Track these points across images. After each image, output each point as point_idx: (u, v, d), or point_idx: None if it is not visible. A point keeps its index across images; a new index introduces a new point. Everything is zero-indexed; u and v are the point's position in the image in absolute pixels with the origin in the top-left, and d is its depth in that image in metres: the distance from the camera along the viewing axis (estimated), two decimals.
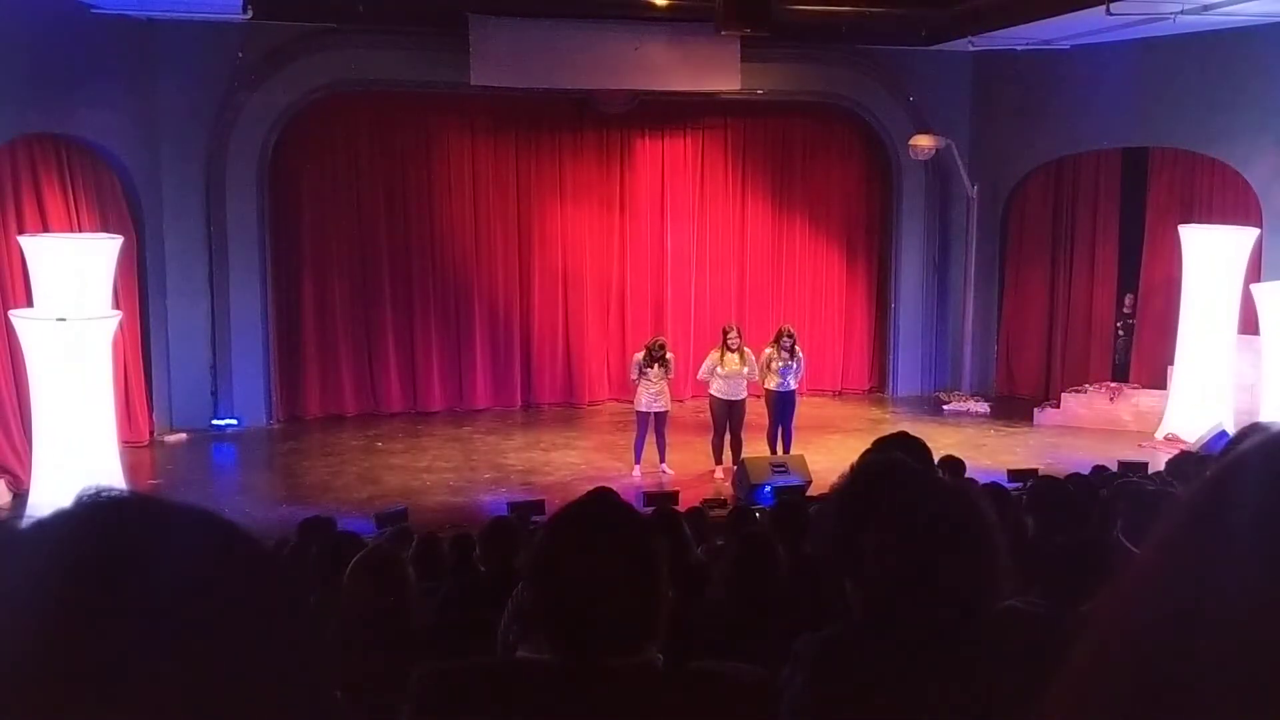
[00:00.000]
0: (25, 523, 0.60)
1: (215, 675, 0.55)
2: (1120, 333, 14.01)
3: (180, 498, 0.66)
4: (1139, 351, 13.75)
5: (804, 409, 12.16)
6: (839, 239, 15.20)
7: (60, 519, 0.59)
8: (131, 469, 10.31)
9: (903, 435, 3.09)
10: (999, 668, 1.69)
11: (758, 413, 11.31)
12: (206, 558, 0.59)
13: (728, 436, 10.78)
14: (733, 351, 10.65)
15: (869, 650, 1.80)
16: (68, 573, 0.55)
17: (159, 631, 0.54)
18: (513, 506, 8.61)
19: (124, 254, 10.45)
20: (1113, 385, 13.27)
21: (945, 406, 14.10)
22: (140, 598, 0.55)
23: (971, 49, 13.63)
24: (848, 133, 15.01)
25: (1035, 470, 8.94)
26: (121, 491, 0.61)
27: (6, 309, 9.84)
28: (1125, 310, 14.01)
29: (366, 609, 3.45)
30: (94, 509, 0.59)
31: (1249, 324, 11.79)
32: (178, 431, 12.48)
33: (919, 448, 2.92)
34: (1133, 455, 10.39)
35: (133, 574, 0.56)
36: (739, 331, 10.91)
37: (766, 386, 11.01)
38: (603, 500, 1.92)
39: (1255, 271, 12.00)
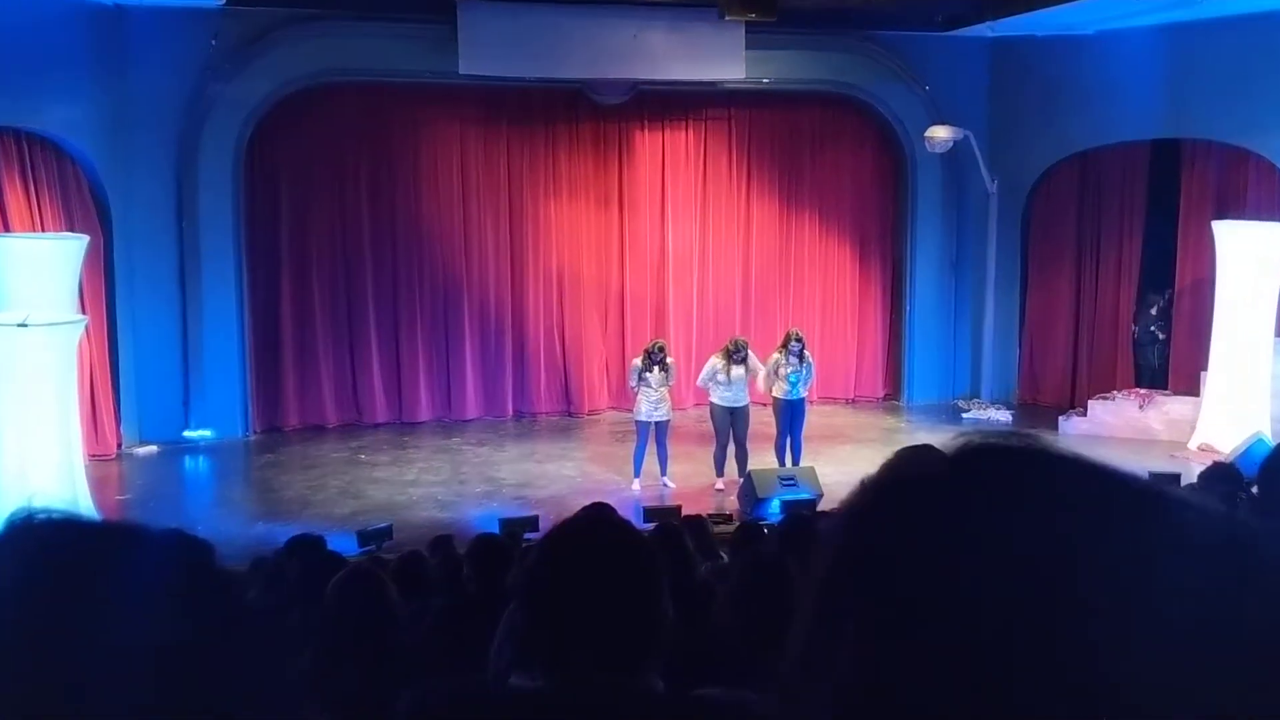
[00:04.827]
0: None
1: (162, 707, 0.54)
2: (1160, 335, 13.98)
3: (142, 517, 0.65)
4: (1176, 355, 13.75)
5: (814, 418, 12.15)
6: (850, 237, 15.20)
7: None
8: (98, 484, 10.29)
9: (926, 449, 3.04)
10: None
11: (765, 422, 11.30)
12: (143, 581, 0.58)
13: (731, 447, 10.77)
14: (737, 365, 10.64)
15: None
16: None
17: (89, 663, 0.53)
18: (504, 523, 8.60)
19: (90, 254, 10.44)
20: (1142, 392, 13.27)
21: (964, 415, 14.10)
22: (68, 628, 0.54)
23: (990, 35, 13.65)
24: (859, 125, 15.02)
25: None
26: (53, 513, 0.60)
27: None
28: (1152, 312, 14.00)
29: (348, 629, 3.45)
30: (20, 534, 0.58)
31: None
32: (147, 444, 12.46)
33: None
34: (1164, 466, 10.37)
35: (58, 602, 0.55)
36: (746, 343, 10.91)
37: (774, 394, 11.00)
38: (600, 516, 1.91)
39: None
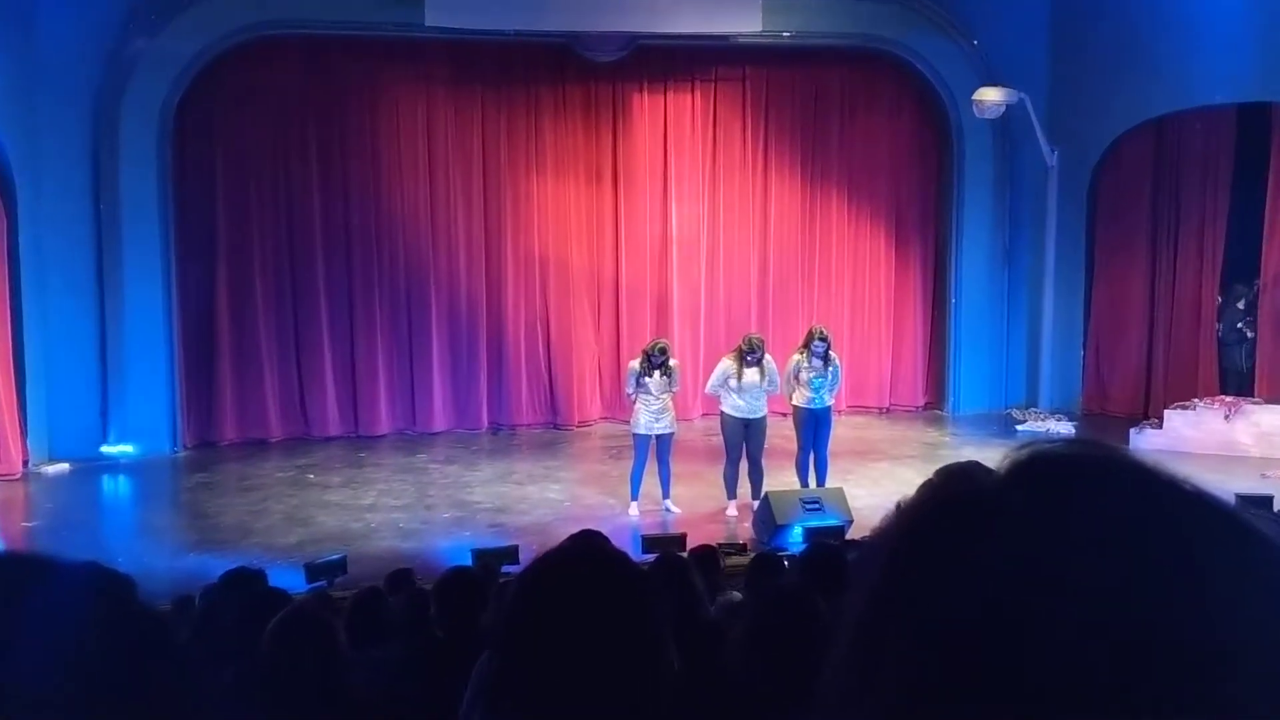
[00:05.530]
0: None
1: None
2: (1248, 334, 14.00)
3: (52, 547, 0.66)
4: (1263, 357, 13.76)
5: (843, 430, 12.16)
6: (885, 219, 15.21)
7: None
8: (1, 508, 10.29)
9: (974, 466, 3.06)
10: None
11: (785, 435, 11.30)
12: (54, 621, 0.59)
13: (745, 465, 10.78)
14: (751, 367, 10.64)
15: None
16: None
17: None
18: (478, 554, 8.62)
19: None
20: (1228, 400, 13.28)
21: (1019, 427, 14.12)
22: None
23: None
24: (896, 87, 15.04)
25: None
26: None
27: None
28: (1239, 307, 14.02)
29: (288, 683, 3.45)
30: None
31: None
32: (59, 461, 12.46)
33: None
34: (1254, 487, 10.38)
35: None
36: (762, 342, 10.94)
37: (795, 403, 11.01)
38: (590, 546, 1.91)
39: None
